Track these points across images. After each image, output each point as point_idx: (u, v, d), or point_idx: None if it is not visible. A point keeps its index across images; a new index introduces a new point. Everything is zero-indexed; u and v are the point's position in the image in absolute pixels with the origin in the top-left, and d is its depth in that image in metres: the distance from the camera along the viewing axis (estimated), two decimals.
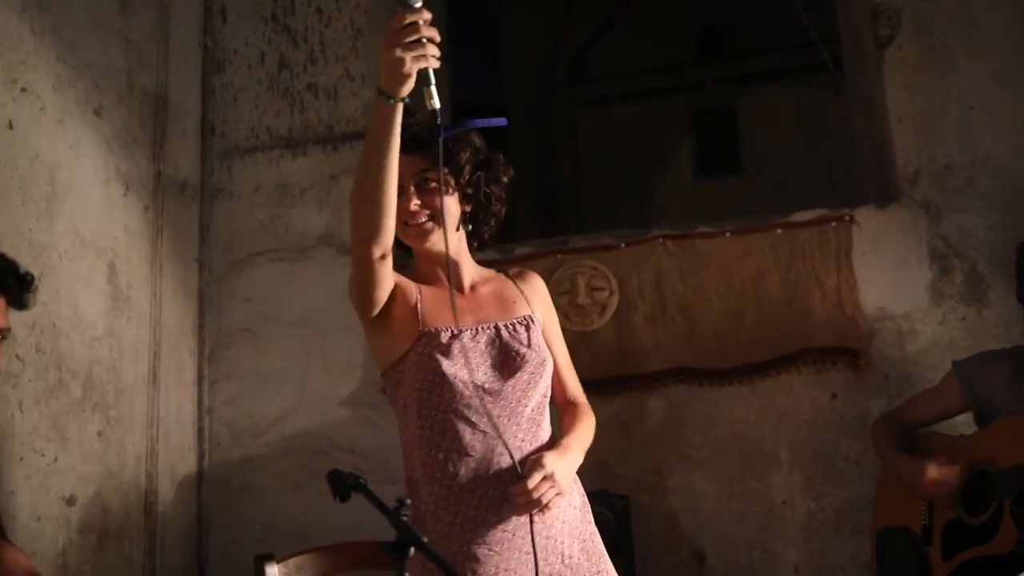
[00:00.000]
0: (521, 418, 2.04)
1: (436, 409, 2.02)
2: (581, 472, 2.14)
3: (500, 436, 1.97)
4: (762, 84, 14.74)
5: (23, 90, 2.84)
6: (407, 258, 2.21)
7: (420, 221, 2.09)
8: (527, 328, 2.13)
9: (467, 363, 2.00)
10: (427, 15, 1.71)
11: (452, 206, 2.11)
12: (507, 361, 2.06)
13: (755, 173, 14.67)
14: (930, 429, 2.86)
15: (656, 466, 3.40)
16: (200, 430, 3.65)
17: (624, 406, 3.44)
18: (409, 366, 2.05)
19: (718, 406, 3.39)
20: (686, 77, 15.51)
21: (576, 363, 3.60)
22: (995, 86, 3.35)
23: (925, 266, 3.32)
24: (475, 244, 2.23)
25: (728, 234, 3.47)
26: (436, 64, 1.74)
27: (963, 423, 2.88)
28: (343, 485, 1.76)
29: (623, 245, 3.55)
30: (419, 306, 2.06)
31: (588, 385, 3.37)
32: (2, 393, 2.63)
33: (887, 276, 3.34)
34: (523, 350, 2.08)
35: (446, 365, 2.00)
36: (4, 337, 1.97)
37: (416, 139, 2.04)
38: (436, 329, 2.04)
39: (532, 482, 1.92)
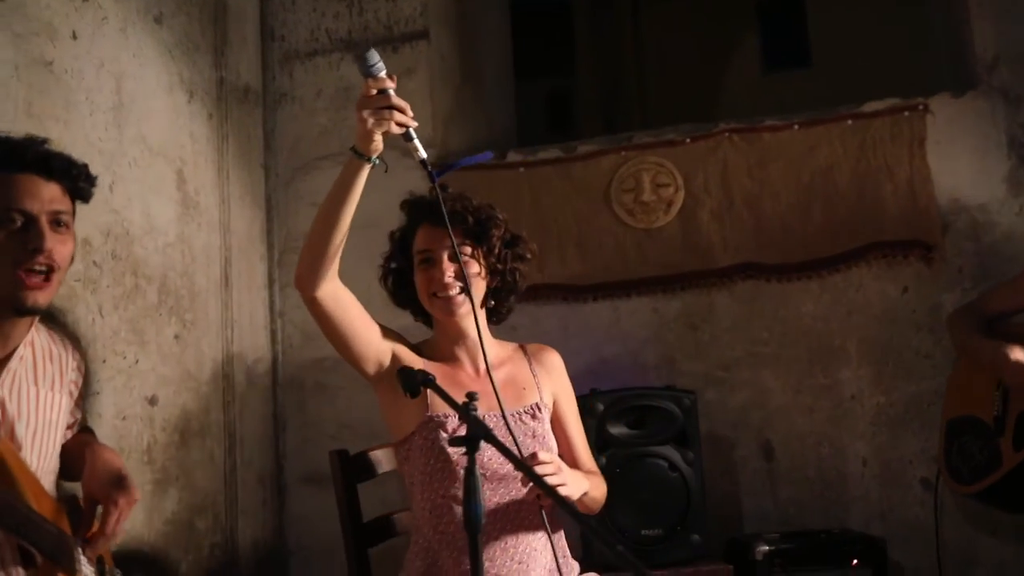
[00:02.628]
0: (522, 504, 2.07)
1: (437, 494, 2.06)
2: None
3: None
4: None
5: (84, 0, 2.85)
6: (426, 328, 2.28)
7: (451, 293, 2.12)
8: (533, 417, 2.17)
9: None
10: (390, 84, 1.82)
11: (479, 282, 2.15)
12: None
13: (825, 65, 14.22)
14: (1009, 320, 2.81)
15: (724, 362, 3.40)
16: (273, 332, 3.73)
17: (691, 302, 3.43)
18: (415, 449, 2.10)
19: (786, 301, 3.37)
20: None
21: (641, 260, 3.58)
22: None
23: (1003, 155, 3.22)
24: (493, 319, 2.27)
25: (796, 126, 3.40)
26: (411, 125, 1.89)
27: None
28: (413, 382, 1.81)
29: (688, 140, 3.49)
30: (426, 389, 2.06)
31: (655, 282, 3.41)
32: (82, 298, 2.71)
33: (962, 166, 3.25)
34: (527, 441, 2.11)
35: (452, 453, 2.02)
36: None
37: (451, 213, 2.06)
38: (444, 416, 2.08)
39: (542, 457, 1.94)
